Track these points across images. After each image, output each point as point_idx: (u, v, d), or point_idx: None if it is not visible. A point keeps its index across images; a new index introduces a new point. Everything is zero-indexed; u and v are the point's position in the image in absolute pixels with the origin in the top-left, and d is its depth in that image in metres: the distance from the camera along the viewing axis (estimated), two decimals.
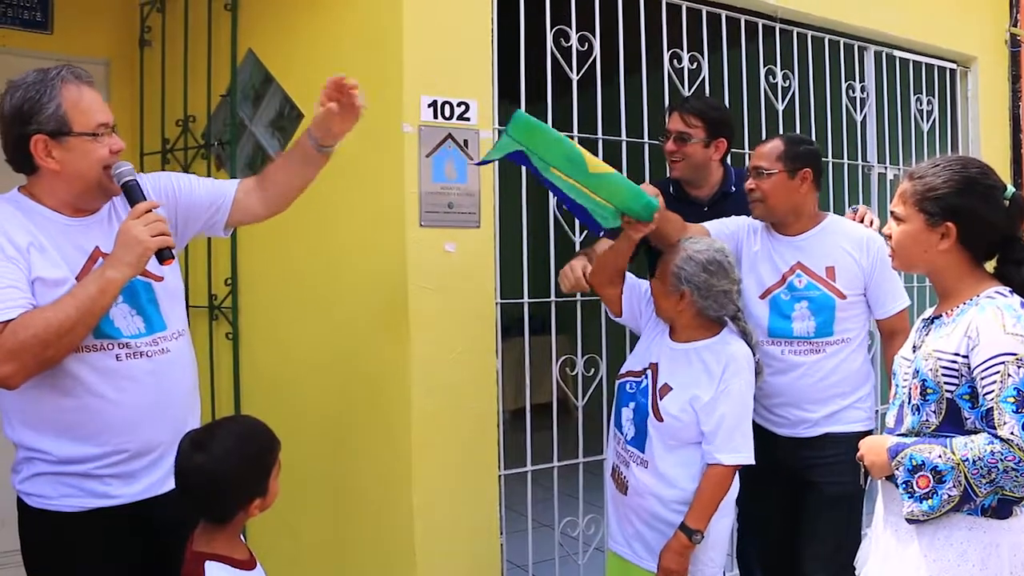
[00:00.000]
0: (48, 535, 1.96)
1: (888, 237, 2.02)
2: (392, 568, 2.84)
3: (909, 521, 1.84)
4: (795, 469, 2.73)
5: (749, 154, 3.65)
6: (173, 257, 1.98)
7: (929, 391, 1.86)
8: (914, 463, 1.81)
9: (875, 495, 2.08)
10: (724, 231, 2.82)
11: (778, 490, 2.79)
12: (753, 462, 2.39)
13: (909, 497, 1.82)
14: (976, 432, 1.80)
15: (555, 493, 3.19)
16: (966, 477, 1.74)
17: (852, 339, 2.73)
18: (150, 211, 1.92)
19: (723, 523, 2.44)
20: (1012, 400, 1.72)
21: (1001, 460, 1.71)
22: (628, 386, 2.54)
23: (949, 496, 1.77)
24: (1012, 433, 1.70)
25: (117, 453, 1.97)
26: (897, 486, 1.86)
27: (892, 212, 2.00)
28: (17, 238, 1.88)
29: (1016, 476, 1.72)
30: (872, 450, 1.95)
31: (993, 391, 1.75)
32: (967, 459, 1.74)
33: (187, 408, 2.14)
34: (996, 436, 1.74)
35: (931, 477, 1.78)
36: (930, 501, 1.79)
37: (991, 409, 1.75)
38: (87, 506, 1.96)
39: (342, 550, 3.00)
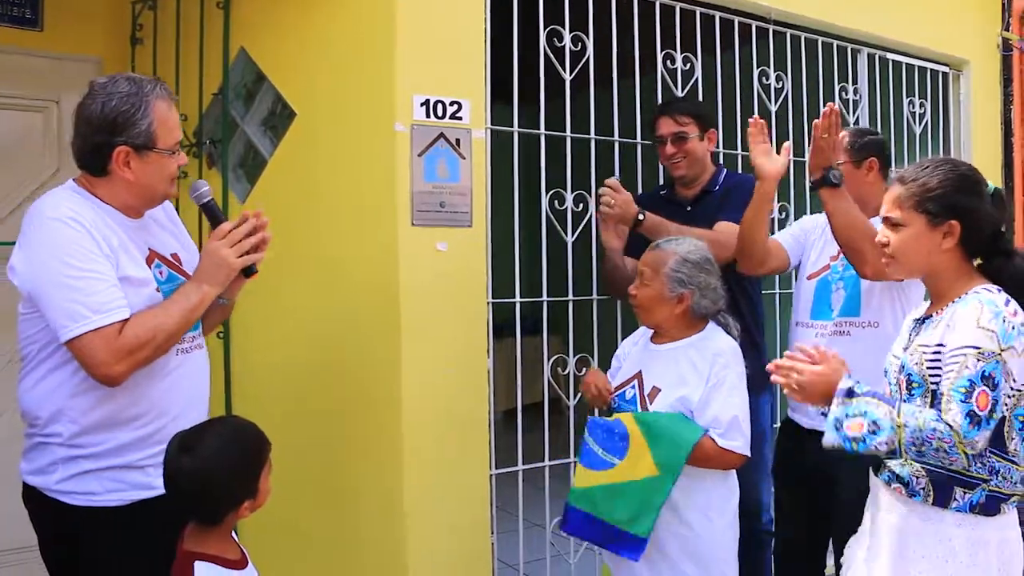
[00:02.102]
0: (94, 532, 1.97)
1: (884, 245, 2.01)
2: (383, 567, 2.83)
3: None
4: (821, 465, 2.64)
5: (742, 155, 3.69)
6: (256, 272, 2.13)
7: (914, 385, 1.88)
8: (856, 412, 1.84)
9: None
10: (796, 237, 2.94)
11: (805, 485, 2.79)
12: (748, 454, 2.37)
13: (835, 430, 1.85)
14: None
15: (547, 492, 3.19)
16: (900, 440, 1.79)
17: (883, 326, 2.69)
18: (232, 231, 2.07)
19: (732, 531, 2.43)
20: (963, 390, 1.77)
21: (938, 439, 1.76)
22: (613, 402, 2.54)
23: (876, 447, 1.82)
24: (954, 420, 1.75)
25: (163, 443, 1.99)
26: (833, 427, 1.87)
27: (887, 218, 2.00)
28: (110, 236, 1.96)
29: (943, 456, 1.77)
30: (820, 380, 1.92)
31: (949, 378, 1.80)
32: (908, 425, 1.78)
33: (208, 401, 2.23)
34: (942, 417, 1.77)
35: (867, 425, 1.82)
36: (855, 444, 1.83)
37: (942, 394, 1.80)
38: (131, 499, 1.99)
39: (334, 549, 2.99)
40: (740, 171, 3.64)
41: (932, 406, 1.86)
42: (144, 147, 1.96)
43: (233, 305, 2.35)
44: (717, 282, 2.46)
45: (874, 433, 1.80)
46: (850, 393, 1.87)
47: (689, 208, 3.10)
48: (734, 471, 2.47)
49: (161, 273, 2.08)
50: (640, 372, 2.50)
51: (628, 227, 2.96)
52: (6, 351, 3.30)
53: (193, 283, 2.04)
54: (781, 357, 2.04)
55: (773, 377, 2.01)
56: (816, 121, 2.57)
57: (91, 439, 1.97)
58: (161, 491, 1.98)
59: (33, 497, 2.03)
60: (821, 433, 2.61)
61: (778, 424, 3.56)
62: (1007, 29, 4.97)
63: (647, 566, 2.40)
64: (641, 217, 2.91)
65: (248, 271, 2.11)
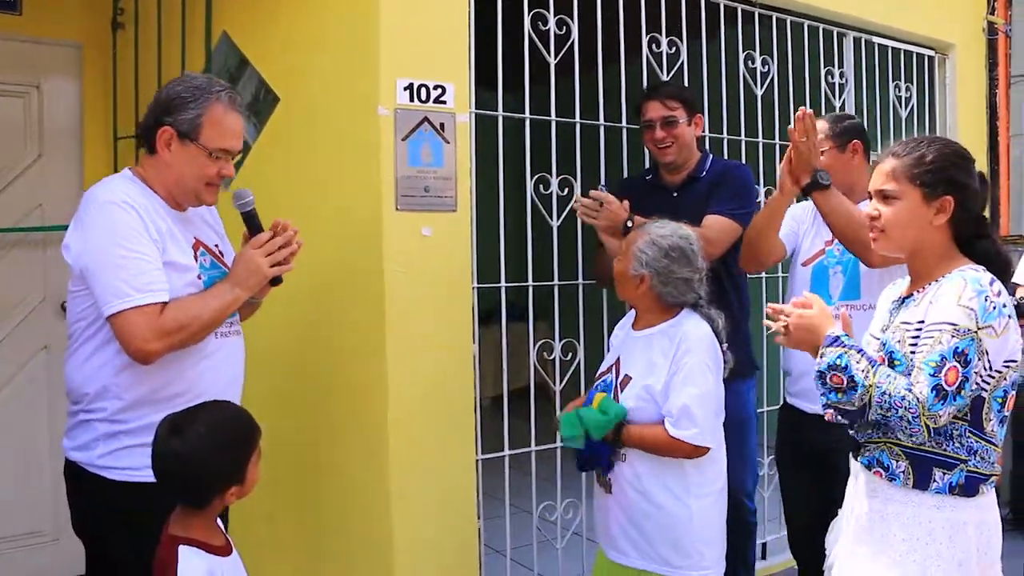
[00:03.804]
0: (132, 506, 2.02)
1: (873, 219, 1.99)
2: (369, 553, 2.84)
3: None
4: (823, 451, 2.69)
5: (728, 139, 3.69)
6: (282, 282, 2.25)
7: (896, 363, 1.88)
8: (839, 364, 1.85)
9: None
10: (790, 227, 2.93)
11: (808, 471, 2.81)
12: (707, 445, 2.33)
13: (822, 384, 1.88)
14: None
15: (533, 478, 3.19)
16: (870, 399, 1.80)
17: None
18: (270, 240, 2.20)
19: (712, 512, 2.42)
20: (933, 364, 1.78)
21: (905, 408, 1.77)
22: (598, 387, 2.55)
23: (845, 405, 1.84)
24: (921, 393, 1.77)
25: None
26: (817, 378, 1.90)
27: (881, 191, 1.97)
28: (159, 222, 2.08)
29: (906, 425, 1.79)
30: (807, 326, 1.94)
31: (923, 351, 1.81)
32: (880, 387, 1.79)
33: (242, 386, 2.32)
34: (912, 388, 1.79)
35: (845, 381, 1.84)
36: (834, 396, 1.87)
37: (915, 367, 1.82)
38: None
39: (319, 535, 2.99)
40: (726, 155, 3.64)
41: None
42: (186, 135, 2.08)
43: (260, 304, 2.45)
44: (687, 273, 2.40)
45: (853, 389, 1.82)
46: (836, 341, 1.88)
47: (676, 194, 3.08)
48: (721, 457, 2.46)
49: (205, 260, 2.20)
50: (619, 359, 2.51)
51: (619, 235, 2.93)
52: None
53: (227, 284, 2.15)
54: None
55: (764, 320, 2.04)
56: (790, 128, 2.58)
57: (133, 415, 2.06)
58: None
59: (75, 473, 2.12)
60: (822, 417, 2.65)
61: (764, 410, 3.60)
62: (992, 13, 4.98)
63: (631, 545, 2.41)
64: (630, 224, 2.86)
65: (275, 280, 2.23)
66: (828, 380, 1.85)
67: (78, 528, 2.18)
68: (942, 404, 1.75)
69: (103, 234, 2.01)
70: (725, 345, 2.46)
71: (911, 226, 1.94)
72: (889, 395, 1.77)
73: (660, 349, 2.40)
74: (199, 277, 2.14)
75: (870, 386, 1.79)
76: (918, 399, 1.75)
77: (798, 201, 2.84)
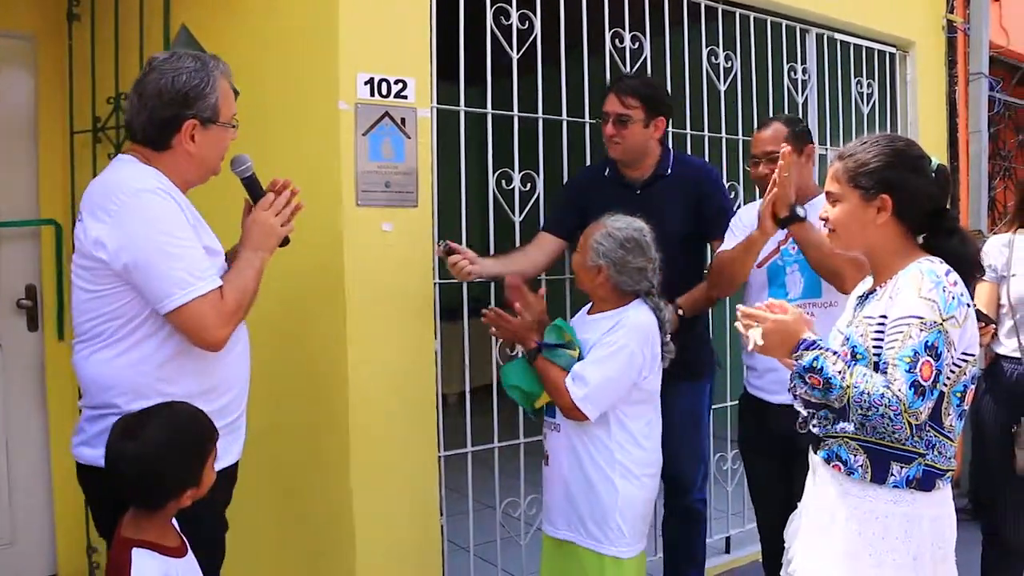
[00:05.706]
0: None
1: (825, 220, 2.04)
2: (331, 550, 2.82)
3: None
4: (788, 437, 2.63)
5: (691, 135, 3.70)
6: (289, 242, 2.23)
7: (858, 356, 1.90)
8: (815, 366, 1.86)
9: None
10: (741, 225, 2.92)
11: (774, 460, 2.84)
12: (586, 413, 2.42)
13: (801, 382, 1.91)
14: None
15: (496, 474, 3.19)
16: (849, 400, 1.82)
17: (840, 305, 2.64)
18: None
19: (636, 493, 2.49)
20: (907, 360, 1.79)
21: (885, 406, 1.78)
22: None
23: (833, 400, 1.85)
24: (900, 391, 1.78)
25: (227, 416, 2.08)
26: (794, 386, 1.95)
27: (827, 193, 2.03)
28: (192, 209, 2.03)
29: (888, 424, 1.79)
30: (783, 331, 1.93)
31: (894, 347, 1.82)
32: (857, 387, 1.81)
33: None
34: (890, 385, 1.80)
35: (821, 382, 1.85)
36: (815, 396, 1.89)
37: (888, 364, 1.82)
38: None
39: (280, 533, 2.96)
40: (689, 151, 3.65)
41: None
42: (209, 120, 2.04)
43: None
44: (641, 262, 2.50)
45: (829, 390, 1.84)
46: (812, 345, 1.89)
47: (639, 192, 3.04)
48: (654, 444, 2.55)
49: None
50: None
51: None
52: None
53: (249, 251, 2.11)
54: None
55: (736, 324, 2.03)
56: (780, 163, 2.58)
57: None
58: (230, 461, 2.11)
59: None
60: (789, 407, 2.65)
61: (727, 404, 3.61)
62: (951, 11, 5.04)
63: (563, 518, 2.54)
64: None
65: (284, 241, 2.20)
66: (806, 381, 1.87)
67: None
68: (921, 400, 1.77)
69: (147, 225, 1.91)
70: (668, 336, 2.54)
71: (854, 226, 1.98)
72: (868, 394, 1.78)
73: (602, 331, 2.50)
74: (225, 261, 2.11)
75: (847, 387, 1.81)
76: (898, 397, 1.77)
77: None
